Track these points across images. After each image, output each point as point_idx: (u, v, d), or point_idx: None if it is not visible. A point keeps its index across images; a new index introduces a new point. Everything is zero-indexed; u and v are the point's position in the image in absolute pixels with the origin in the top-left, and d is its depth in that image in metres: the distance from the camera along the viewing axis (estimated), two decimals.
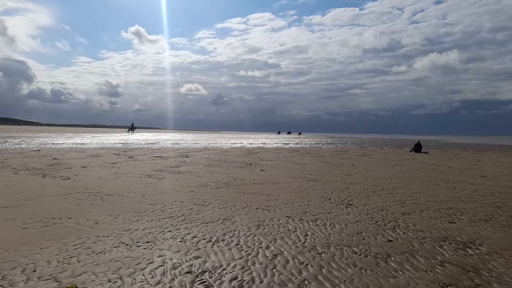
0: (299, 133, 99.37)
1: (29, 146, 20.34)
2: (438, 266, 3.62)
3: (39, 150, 17.09)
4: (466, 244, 4.35)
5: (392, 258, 3.82)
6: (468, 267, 3.61)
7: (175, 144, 27.94)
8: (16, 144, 21.89)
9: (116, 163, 12.47)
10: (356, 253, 3.98)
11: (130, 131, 59.02)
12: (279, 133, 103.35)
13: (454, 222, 5.38)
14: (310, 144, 35.28)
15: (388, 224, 5.19)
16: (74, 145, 22.26)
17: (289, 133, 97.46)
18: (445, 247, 4.22)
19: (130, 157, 15.14)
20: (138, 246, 3.98)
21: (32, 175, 8.93)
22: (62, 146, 20.94)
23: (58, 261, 3.50)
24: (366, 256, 3.89)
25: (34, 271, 3.26)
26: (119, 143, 26.27)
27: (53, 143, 23.76)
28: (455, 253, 4.02)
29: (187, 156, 16.16)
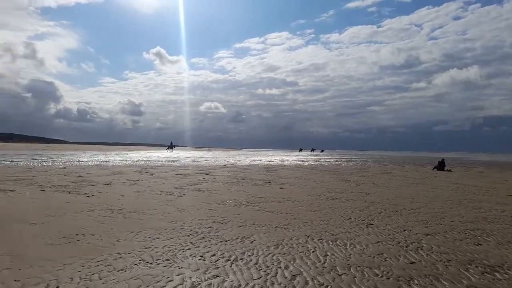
0: (322, 151, 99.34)
1: (55, 163, 21.00)
2: None
3: (65, 168, 17.60)
4: (493, 268, 4.16)
5: (415, 281, 3.69)
6: None
7: (195, 161, 28.23)
8: (43, 161, 22.65)
9: (138, 180, 12.69)
10: (377, 275, 3.86)
11: (169, 149, 63.49)
12: (301, 150, 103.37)
13: (481, 244, 5.16)
14: (329, 161, 34.92)
15: (411, 245, 5.03)
16: (98, 163, 22.83)
17: (312, 150, 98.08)
18: (471, 271, 4.05)
19: (152, 174, 15.38)
20: (158, 264, 4.00)
21: (58, 192, 9.19)
22: (87, 164, 21.51)
23: (80, 277, 3.56)
24: (388, 278, 3.77)
25: (57, 287, 3.32)
26: (141, 161, 26.77)
27: (78, 161, 24.45)
28: (481, 277, 3.85)
29: (206, 174, 16.27)
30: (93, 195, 8.81)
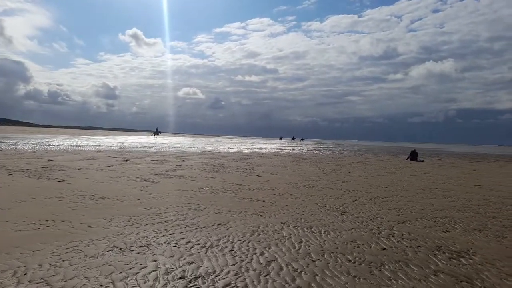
0: (302, 139, 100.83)
1: (24, 147, 20.24)
2: (431, 276, 3.62)
3: (34, 152, 17.00)
4: (459, 254, 4.36)
5: (386, 267, 3.81)
6: (461, 277, 3.61)
7: (172, 147, 27.89)
8: (12, 145, 21.78)
9: (112, 166, 12.43)
10: (350, 261, 3.97)
11: (155, 134, 65.77)
12: (281, 138, 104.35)
13: (449, 231, 5.39)
14: (307, 150, 35.32)
15: (383, 232, 5.19)
16: (70, 147, 22.17)
17: (293, 139, 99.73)
18: (439, 256, 4.23)
19: (126, 160, 15.09)
20: (132, 251, 3.96)
21: (26, 177, 8.88)
22: (58, 148, 20.84)
23: (50, 264, 3.47)
24: (360, 264, 3.88)
25: (25, 274, 3.23)
26: (116, 146, 26.18)
27: (49, 145, 23.65)
28: (448, 263, 4.03)
29: (183, 160, 16.13)
30: (64, 180, 8.57)
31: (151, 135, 68.43)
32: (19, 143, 24.12)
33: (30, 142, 25.41)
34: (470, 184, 11.63)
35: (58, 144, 25.46)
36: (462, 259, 4.16)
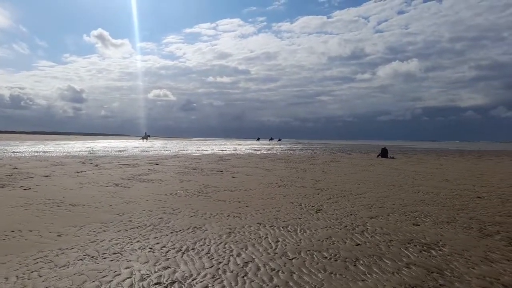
0: (279, 140, 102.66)
1: None
2: (404, 268, 3.74)
3: None
4: (430, 246, 4.52)
5: (361, 262, 3.90)
6: (432, 268, 3.75)
7: (144, 151, 27.33)
8: None
9: (81, 171, 12.03)
10: (326, 257, 4.03)
11: (143, 139, 67.50)
12: (258, 139, 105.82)
13: (419, 225, 5.58)
14: (281, 150, 35.60)
15: (357, 228, 5.31)
16: (36, 153, 21.26)
17: (271, 139, 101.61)
18: (411, 249, 4.37)
19: (96, 165, 14.65)
20: (105, 258, 3.84)
21: None
22: (23, 155, 19.94)
23: (17, 276, 3.32)
24: (336, 260, 3.95)
25: None
26: (84, 151, 25.36)
27: (13, 151, 22.59)
28: (419, 255, 4.17)
29: (156, 164, 15.84)
30: (30, 188, 8.21)
31: (140, 139, 70.14)
32: None
33: None
34: (437, 178, 12.10)
35: (22, 150, 24.35)
36: (433, 251, 4.33)
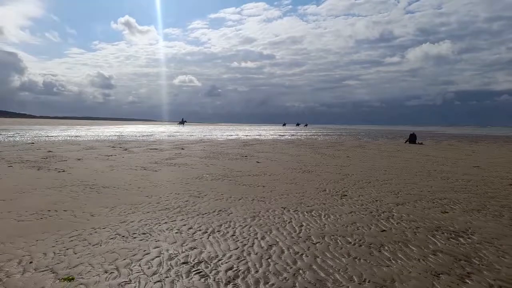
0: (306, 125, 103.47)
1: (23, 138, 20.20)
2: (430, 255, 3.69)
3: (33, 143, 16.98)
4: (458, 234, 4.42)
5: (386, 248, 3.88)
6: (459, 256, 3.68)
7: (171, 136, 27.88)
8: (10, 136, 21.73)
9: (111, 155, 12.45)
10: (350, 243, 4.03)
11: (181, 124, 75.82)
12: (284, 124, 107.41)
13: (447, 212, 5.45)
14: (306, 136, 35.35)
15: (382, 215, 5.25)
16: (68, 138, 22.14)
17: (297, 124, 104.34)
18: (438, 237, 4.29)
19: (125, 149, 15.11)
20: (134, 238, 4.01)
21: (27, 168, 8.90)
22: (57, 139, 20.81)
23: (54, 252, 3.52)
24: (360, 246, 3.94)
25: (31, 262, 3.28)
26: (114, 135, 26.16)
27: (47, 136, 23.61)
28: (447, 242, 4.09)
29: (182, 148, 16.15)
30: (64, 171, 8.59)
31: (178, 124, 78.90)
32: (17, 134, 24.07)
33: (28, 134, 25.36)
34: (468, 165, 11.70)
35: (56, 135, 25.41)
36: (461, 239, 4.23)
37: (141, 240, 3.95)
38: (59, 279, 2.98)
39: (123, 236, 4.05)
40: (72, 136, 23.83)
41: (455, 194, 6.87)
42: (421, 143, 23.52)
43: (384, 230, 4.50)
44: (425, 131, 59.62)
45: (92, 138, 22.23)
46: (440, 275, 3.23)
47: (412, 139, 23.84)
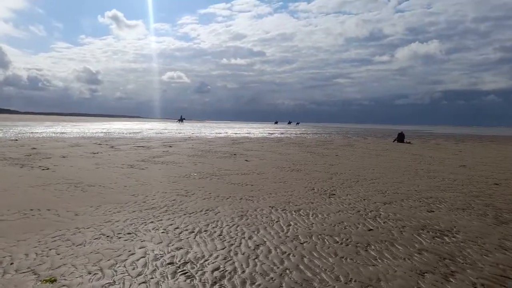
0: (297, 123, 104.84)
1: (6, 135, 19.79)
2: (416, 254, 3.74)
3: (17, 140, 16.65)
4: (443, 233, 4.49)
5: (372, 247, 3.92)
6: (444, 255, 3.74)
7: (158, 133, 27.66)
8: None
9: (97, 153, 12.29)
10: (337, 242, 4.06)
11: (179, 121, 73.97)
12: (276, 122, 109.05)
13: (433, 211, 5.54)
14: (295, 134, 35.47)
15: (370, 214, 5.31)
16: (53, 134, 21.77)
17: (289, 123, 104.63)
18: (423, 236, 4.35)
19: (112, 147, 14.93)
20: (119, 238, 3.96)
21: (9, 165, 8.72)
22: (41, 135, 20.44)
23: (36, 253, 3.46)
24: (347, 245, 3.97)
25: (12, 264, 3.21)
26: (100, 132, 25.82)
27: (32, 132, 23.17)
28: (432, 241, 4.15)
29: (170, 146, 16.04)
30: (48, 169, 8.45)
31: (176, 122, 77.54)
32: (0, 130, 23.57)
33: (12, 130, 24.85)
34: (454, 164, 11.90)
35: (41, 131, 24.96)
36: (446, 238, 4.30)
37: (126, 240, 3.91)
38: (41, 280, 2.92)
39: (108, 236, 4.00)
40: (57, 133, 23.44)
41: (441, 193, 6.98)
42: (409, 142, 23.84)
43: (371, 229, 4.55)
44: (413, 130, 60.44)
45: (77, 135, 21.91)
46: (425, 274, 3.27)
47: (401, 138, 24.14)
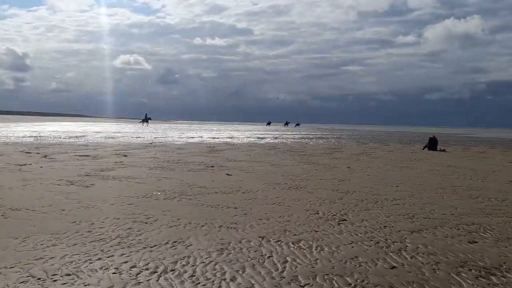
0: (297, 124, 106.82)
1: None
2: None
3: None
4: (489, 271, 4.54)
5: None
6: None
7: (109, 138, 27.50)
8: None
9: (25, 164, 12.13)
10: (350, 284, 4.07)
11: (143, 122, 71.73)
12: (269, 124, 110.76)
13: (476, 242, 5.60)
14: (293, 139, 35.66)
15: (392, 246, 5.34)
16: None
17: (286, 124, 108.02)
18: (463, 275, 4.40)
19: (45, 156, 14.77)
20: (55, 281, 3.90)
21: None
22: None
23: None
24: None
25: None
26: (29, 137, 25.52)
27: None
28: (475, 282, 4.20)
29: (125, 155, 15.95)
30: None
31: (139, 123, 75.05)
32: None
33: None
34: (504, 179, 12.09)
35: None
36: (493, 277, 4.35)
37: (65, 284, 3.85)
38: None
39: (39, 279, 3.93)
40: None
41: (486, 218, 7.08)
42: (444, 150, 24.15)
43: (395, 267, 4.58)
44: (448, 134, 61.39)
45: None
46: None
47: (432, 144, 24.44)
